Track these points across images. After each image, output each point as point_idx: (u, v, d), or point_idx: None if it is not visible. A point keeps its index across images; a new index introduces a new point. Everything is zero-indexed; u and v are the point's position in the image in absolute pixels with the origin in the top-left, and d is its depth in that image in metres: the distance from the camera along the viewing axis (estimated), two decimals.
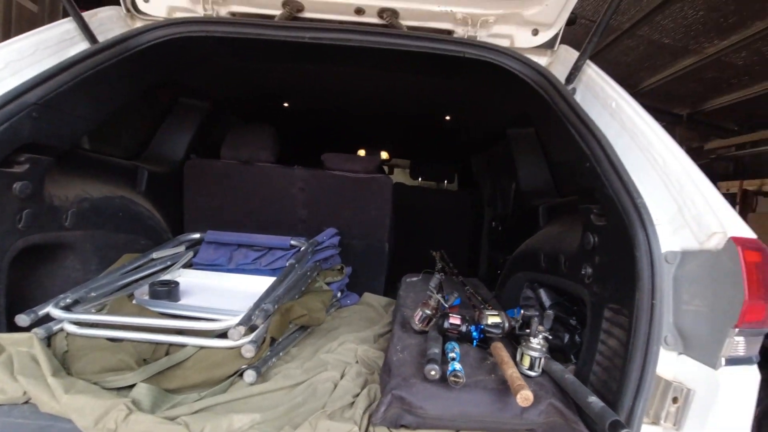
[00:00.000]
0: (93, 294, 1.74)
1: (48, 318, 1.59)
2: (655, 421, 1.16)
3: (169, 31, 1.73)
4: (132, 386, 1.31)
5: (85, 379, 1.32)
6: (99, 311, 1.72)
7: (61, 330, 1.57)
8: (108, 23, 1.79)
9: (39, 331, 1.50)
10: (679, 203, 1.24)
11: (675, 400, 1.13)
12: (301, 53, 1.96)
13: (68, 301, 1.64)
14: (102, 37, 1.70)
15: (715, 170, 6.08)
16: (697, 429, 1.10)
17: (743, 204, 5.04)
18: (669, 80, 5.04)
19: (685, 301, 1.16)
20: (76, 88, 1.57)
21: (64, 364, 1.40)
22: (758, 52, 4.19)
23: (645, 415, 1.13)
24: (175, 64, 2.06)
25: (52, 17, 3.53)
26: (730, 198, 5.05)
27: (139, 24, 1.86)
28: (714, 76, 4.84)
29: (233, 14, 1.92)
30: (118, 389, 1.32)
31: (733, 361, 1.09)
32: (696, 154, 6.17)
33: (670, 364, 1.17)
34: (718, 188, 1.28)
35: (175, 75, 2.56)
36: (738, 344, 1.08)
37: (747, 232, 1.13)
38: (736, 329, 1.06)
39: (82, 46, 1.65)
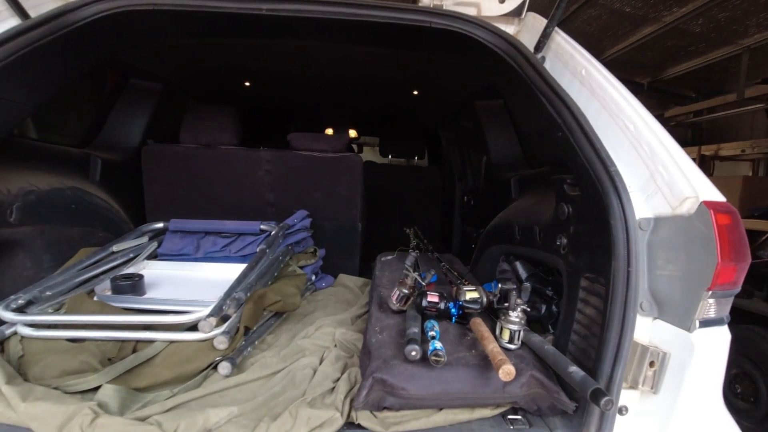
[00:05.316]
0: (48, 293, 1.62)
1: None
2: (633, 386, 1.18)
3: (110, 4, 1.57)
4: (97, 388, 1.23)
5: (45, 384, 1.23)
6: (56, 311, 1.61)
7: (15, 333, 1.47)
8: None
9: None
10: (651, 169, 1.23)
11: (652, 364, 1.14)
12: (258, 27, 1.84)
13: (20, 302, 1.53)
14: (34, 12, 1.53)
15: (675, 137, 6.28)
16: (674, 390, 1.12)
17: (701, 168, 5.20)
18: (630, 49, 5.11)
19: (659, 266, 1.17)
20: (7, 69, 1.41)
21: (20, 370, 1.30)
22: (714, 19, 4.28)
23: (623, 380, 1.14)
24: (119, 42, 1.90)
25: None
26: None
27: None
28: (673, 44, 4.93)
29: None
30: (82, 393, 1.24)
31: (706, 323, 1.11)
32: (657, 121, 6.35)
33: (646, 330, 1.18)
34: None
35: (119, 54, 2.37)
36: (711, 306, 1.10)
37: (717, 195, 1.14)
38: (709, 292, 1.08)
39: (12, 22, 1.49)
